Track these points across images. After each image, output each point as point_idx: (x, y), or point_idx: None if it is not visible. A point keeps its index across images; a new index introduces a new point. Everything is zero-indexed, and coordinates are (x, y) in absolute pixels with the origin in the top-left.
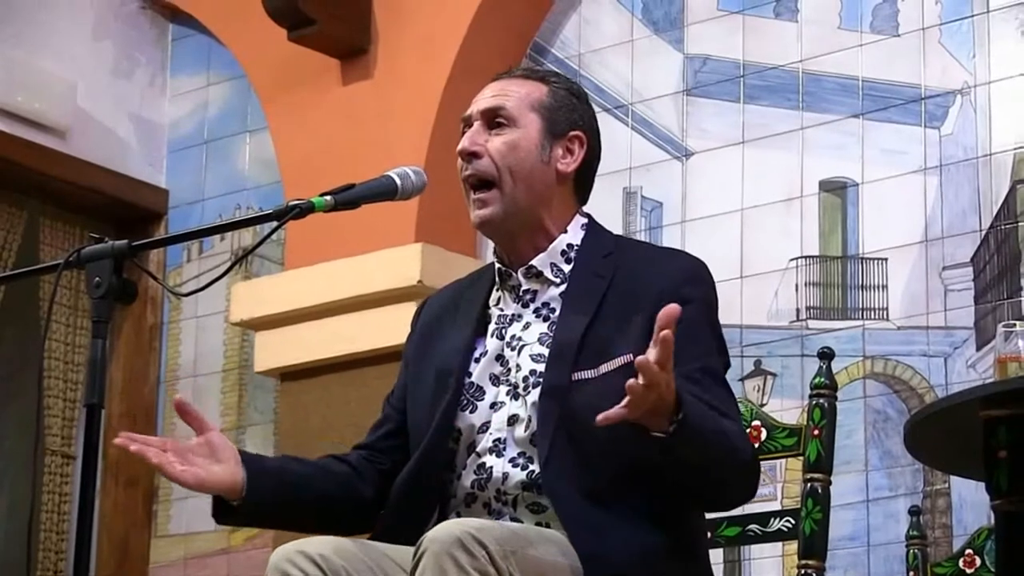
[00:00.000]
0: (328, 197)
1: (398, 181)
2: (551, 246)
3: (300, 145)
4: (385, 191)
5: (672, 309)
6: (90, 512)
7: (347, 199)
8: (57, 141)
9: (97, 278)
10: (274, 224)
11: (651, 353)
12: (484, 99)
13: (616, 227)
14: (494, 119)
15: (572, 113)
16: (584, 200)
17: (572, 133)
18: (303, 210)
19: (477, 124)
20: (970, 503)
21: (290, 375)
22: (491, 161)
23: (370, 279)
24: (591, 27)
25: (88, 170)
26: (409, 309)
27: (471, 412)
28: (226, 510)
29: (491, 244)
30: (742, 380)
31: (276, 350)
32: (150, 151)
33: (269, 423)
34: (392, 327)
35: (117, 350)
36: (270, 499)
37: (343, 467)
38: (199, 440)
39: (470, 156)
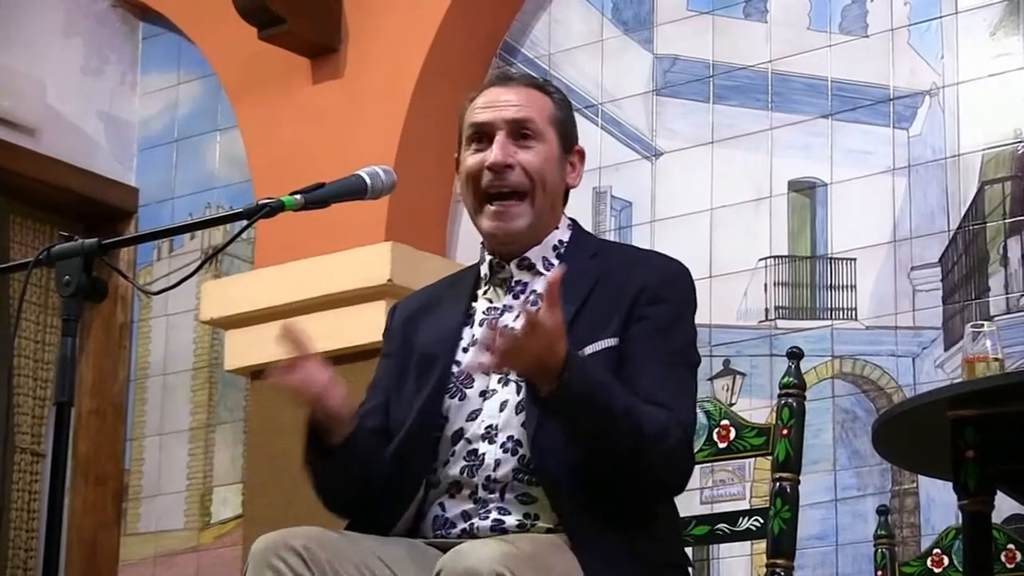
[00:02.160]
0: (298, 196)
1: (368, 180)
2: (545, 240)
3: (270, 144)
4: (355, 190)
5: (555, 273)
6: (59, 510)
7: (317, 198)
8: (27, 139)
9: (67, 276)
10: (244, 223)
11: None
12: (507, 107)
13: (585, 226)
14: (521, 131)
15: (574, 127)
16: (566, 203)
17: (576, 147)
18: (273, 209)
19: (502, 135)
20: (938, 503)
21: (260, 373)
22: (524, 173)
23: (340, 278)
24: (561, 27)
25: (58, 168)
26: (379, 308)
27: (459, 400)
28: (317, 447)
29: (462, 242)
30: (711, 380)
31: (246, 348)
32: (120, 149)
33: (239, 421)
34: (362, 326)
35: (87, 348)
36: (354, 453)
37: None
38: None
39: (505, 168)
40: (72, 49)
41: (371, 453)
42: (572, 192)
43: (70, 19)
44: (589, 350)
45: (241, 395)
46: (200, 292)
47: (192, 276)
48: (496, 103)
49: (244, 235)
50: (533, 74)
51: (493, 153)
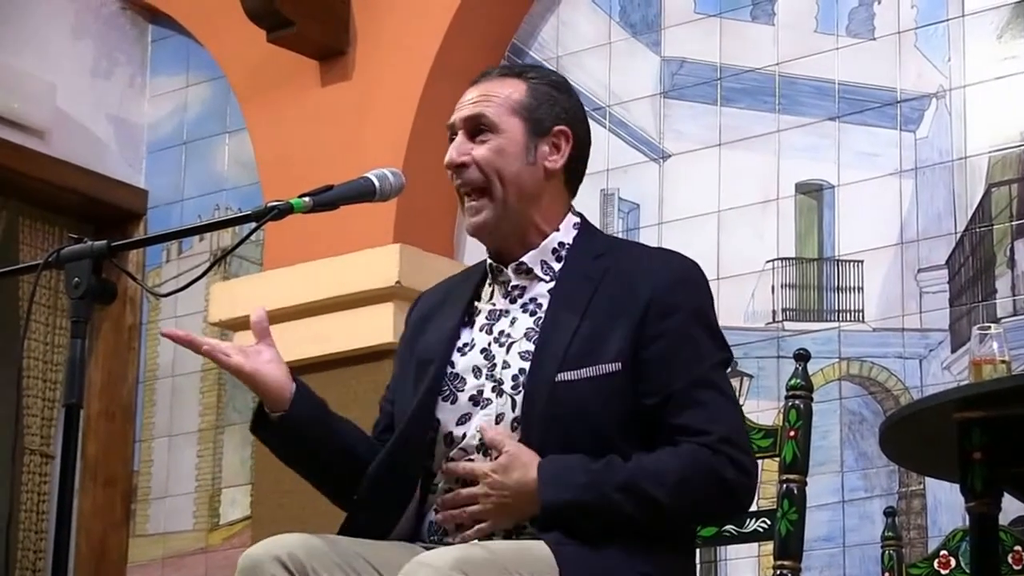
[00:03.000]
0: (307, 198)
1: (376, 183)
2: (543, 244)
3: (279, 146)
4: (363, 192)
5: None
6: (68, 511)
7: (325, 200)
8: (37, 142)
9: (76, 278)
10: (253, 225)
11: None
12: (464, 106)
13: None
14: (476, 127)
15: (554, 108)
16: (575, 191)
17: (556, 129)
18: (282, 211)
19: (461, 134)
20: (945, 504)
21: None
22: (478, 169)
23: (348, 280)
24: (568, 29)
25: (68, 171)
26: (387, 310)
27: (452, 403)
28: (264, 423)
29: (470, 245)
30: None
31: None
32: (129, 152)
33: (247, 423)
34: (370, 328)
35: (96, 350)
36: (308, 423)
37: (368, 437)
38: (257, 346)
39: (458, 168)
40: (81, 52)
41: (367, 441)
42: (579, 194)
43: (79, 22)
44: (588, 373)
45: (250, 396)
46: (209, 294)
47: (201, 278)
48: (460, 104)
49: (253, 237)
50: (520, 64)
51: (448, 154)
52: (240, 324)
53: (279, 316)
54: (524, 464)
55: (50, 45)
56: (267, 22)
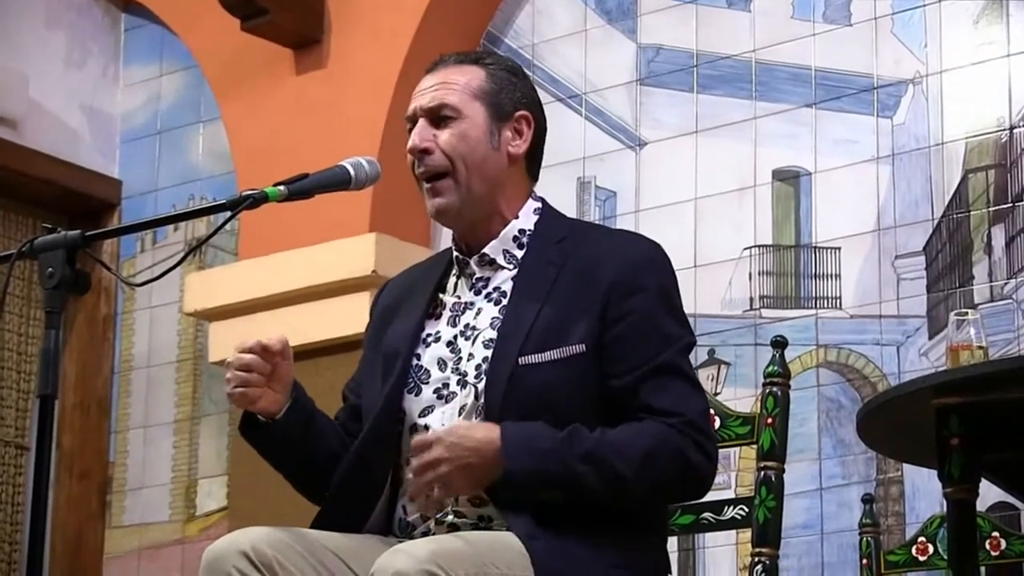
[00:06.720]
0: (281, 187)
1: (352, 171)
2: (503, 232)
3: (253, 135)
4: (339, 181)
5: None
6: (44, 503)
7: (300, 189)
8: (9, 132)
9: (50, 268)
10: (227, 214)
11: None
12: (425, 94)
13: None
14: (439, 114)
15: (514, 93)
16: (536, 176)
17: (518, 114)
18: (256, 200)
19: (423, 121)
20: (923, 491)
21: None
22: (443, 154)
23: (324, 269)
24: (544, 17)
25: (41, 161)
26: (363, 299)
27: (416, 395)
28: (252, 425)
29: (446, 233)
30: (696, 369)
31: (230, 340)
32: (103, 142)
33: (224, 413)
34: (346, 317)
35: (70, 341)
36: (296, 428)
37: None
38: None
39: (422, 153)
40: (54, 41)
41: (327, 447)
42: (555, 182)
43: (52, 11)
44: (552, 356)
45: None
46: (184, 284)
47: (176, 268)
48: (420, 92)
49: (228, 226)
50: (474, 51)
51: (410, 140)
52: (215, 314)
53: (255, 306)
54: (483, 427)
55: (22, 35)
56: (241, 11)
